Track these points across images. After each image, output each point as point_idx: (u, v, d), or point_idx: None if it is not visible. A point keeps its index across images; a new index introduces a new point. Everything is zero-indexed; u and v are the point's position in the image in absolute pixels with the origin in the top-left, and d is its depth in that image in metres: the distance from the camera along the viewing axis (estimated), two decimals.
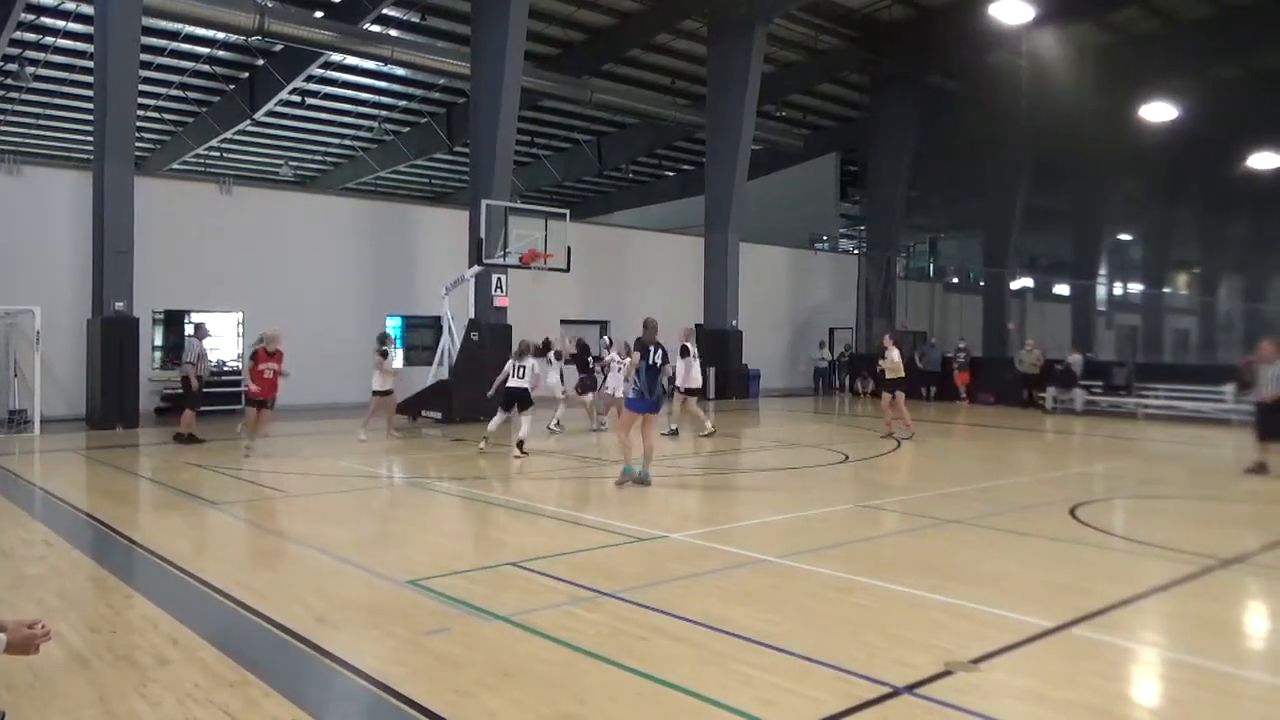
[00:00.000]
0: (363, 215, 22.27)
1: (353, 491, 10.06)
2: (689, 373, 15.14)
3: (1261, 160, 29.38)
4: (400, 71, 26.06)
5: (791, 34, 26.15)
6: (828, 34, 26.32)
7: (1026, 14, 20.69)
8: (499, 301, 18.87)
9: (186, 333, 20.67)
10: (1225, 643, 5.34)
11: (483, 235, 17.34)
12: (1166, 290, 40.86)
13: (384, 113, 30.86)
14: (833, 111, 32.81)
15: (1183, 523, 8.91)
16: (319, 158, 36.67)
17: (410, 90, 28.97)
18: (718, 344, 24.26)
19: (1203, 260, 41.92)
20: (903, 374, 15.59)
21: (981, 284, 32.14)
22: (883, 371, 15.55)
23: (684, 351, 14.94)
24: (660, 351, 10.38)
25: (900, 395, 15.42)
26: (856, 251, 35.47)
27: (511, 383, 12.92)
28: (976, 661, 4.70)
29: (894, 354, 15.41)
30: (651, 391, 10.22)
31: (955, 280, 37.38)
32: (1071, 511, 8.88)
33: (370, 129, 32.29)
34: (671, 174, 40.21)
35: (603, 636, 5.03)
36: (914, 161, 29.25)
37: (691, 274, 25.98)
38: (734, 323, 24.72)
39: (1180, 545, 7.40)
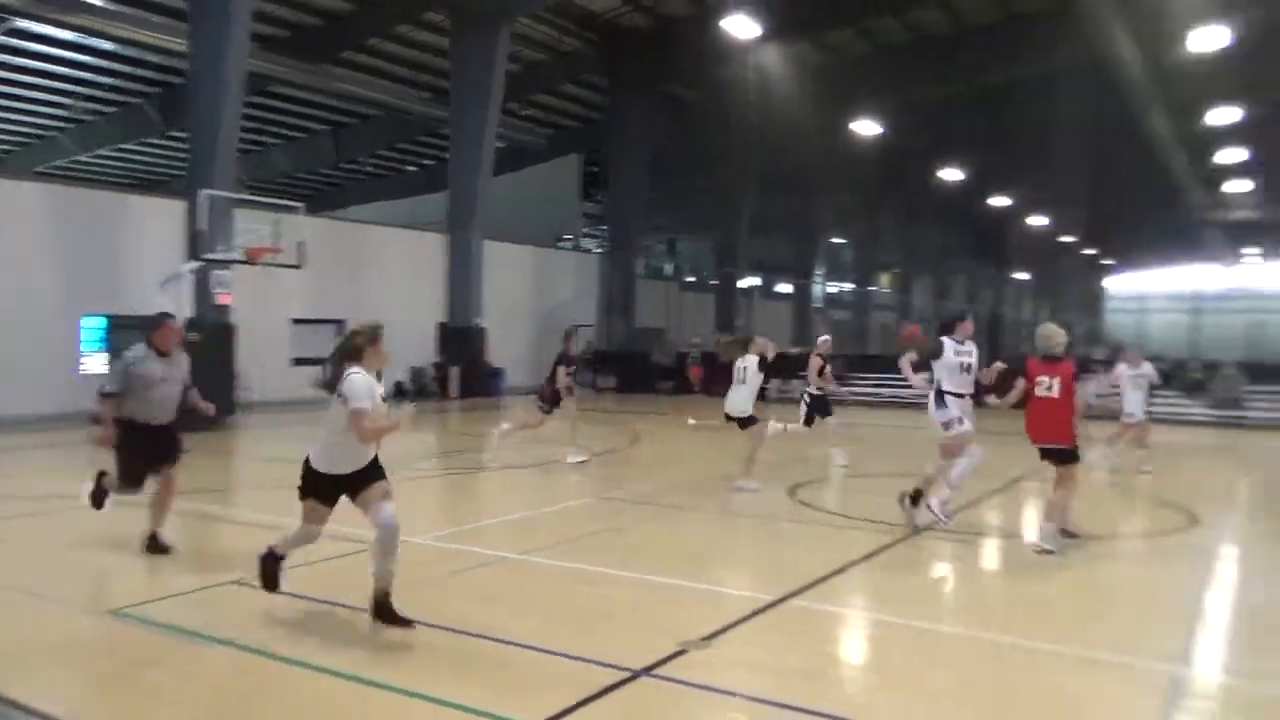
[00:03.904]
0: (57, 203, 19.84)
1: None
2: None
3: (948, 174, 33.38)
4: (106, 45, 23.51)
5: (536, 33, 26.26)
6: (571, 36, 26.69)
7: (754, 30, 21.94)
8: (221, 299, 17.53)
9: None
10: (923, 602, 6.02)
11: (203, 228, 16.07)
12: (872, 289, 45.42)
13: (84, 89, 27.70)
14: (576, 112, 33.35)
15: (880, 497, 9.88)
16: (3, 137, 32.38)
17: (117, 66, 26.18)
18: (461, 342, 24.03)
19: (902, 262, 47.13)
20: None
21: (713, 283, 34.09)
22: None
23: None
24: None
25: None
26: (599, 250, 36.35)
27: None
28: (708, 639, 4.99)
29: None
30: None
31: (691, 279, 39.39)
32: (790, 492, 9.59)
33: (68, 106, 28.90)
34: (414, 168, 39.19)
35: (337, 650, 4.83)
36: (653, 165, 30.36)
37: (433, 271, 25.44)
38: (478, 320, 24.51)
39: (881, 517, 8.21)
